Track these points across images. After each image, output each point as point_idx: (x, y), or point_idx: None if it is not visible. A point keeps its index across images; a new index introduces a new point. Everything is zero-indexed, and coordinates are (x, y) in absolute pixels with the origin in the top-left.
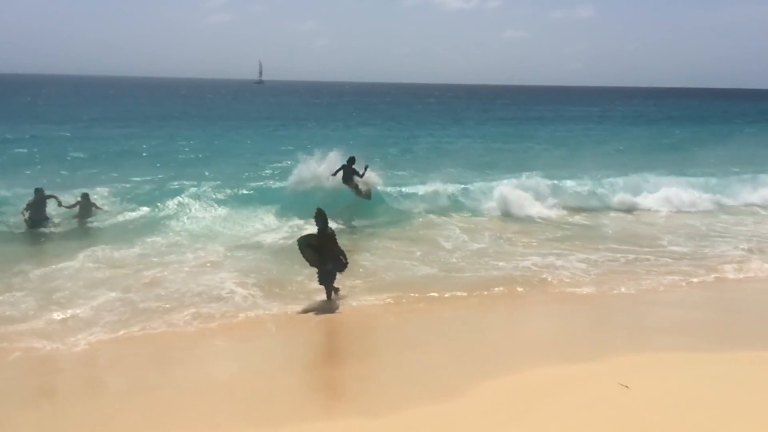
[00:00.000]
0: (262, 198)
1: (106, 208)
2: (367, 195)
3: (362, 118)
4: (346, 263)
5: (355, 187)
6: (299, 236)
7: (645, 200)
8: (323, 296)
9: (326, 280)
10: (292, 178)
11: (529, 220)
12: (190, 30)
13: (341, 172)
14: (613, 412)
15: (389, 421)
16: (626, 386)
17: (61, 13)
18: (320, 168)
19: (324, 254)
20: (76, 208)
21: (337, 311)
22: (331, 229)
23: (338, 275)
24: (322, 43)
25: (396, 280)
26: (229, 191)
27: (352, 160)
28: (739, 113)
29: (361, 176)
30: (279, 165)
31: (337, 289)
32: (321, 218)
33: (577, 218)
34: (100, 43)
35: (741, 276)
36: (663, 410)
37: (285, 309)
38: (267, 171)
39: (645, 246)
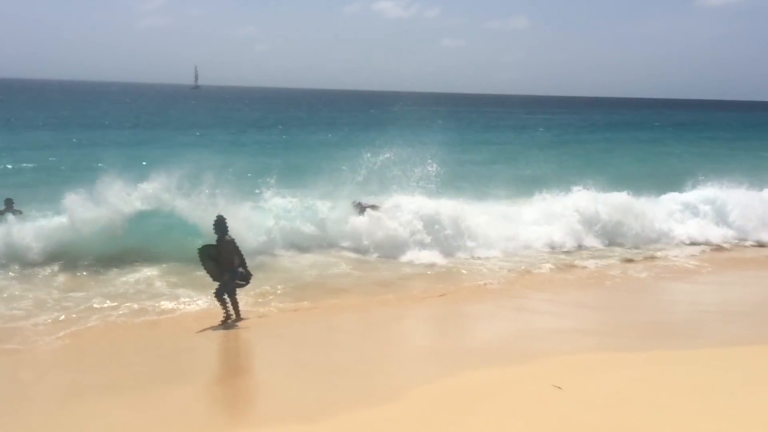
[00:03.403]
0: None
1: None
2: None
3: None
4: (249, 276)
5: None
6: (199, 246)
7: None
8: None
9: (223, 292)
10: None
11: None
12: (123, 33)
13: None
14: (548, 413)
15: (326, 425)
16: (559, 387)
17: None
18: None
19: (222, 264)
20: None
21: (262, 316)
22: (230, 237)
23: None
24: (261, 49)
25: (319, 281)
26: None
27: (360, 206)
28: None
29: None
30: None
31: (224, 302)
32: (219, 226)
33: None
34: (28, 45)
35: (653, 274)
36: (595, 409)
37: (210, 312)
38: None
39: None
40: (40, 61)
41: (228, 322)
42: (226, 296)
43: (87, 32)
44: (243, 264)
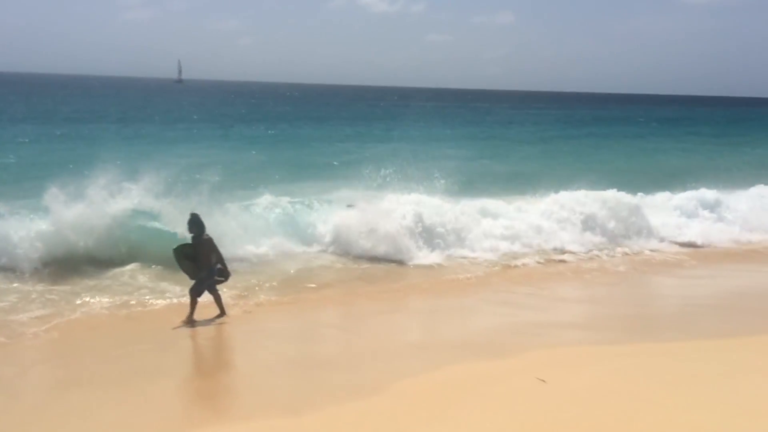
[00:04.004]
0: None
1: None
2: None
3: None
4: (228, 273)
5: None
6: (175, 246)
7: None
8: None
9: (199, 291)
10: None
11: None
12: (105, 26)
13: None
14: (532, 406)
15: (311, 419)
16: (543, 380)
17: None
18: None
19: (200, 263)
20: None
21: (247, 311)
22: (207, 235)
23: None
24: (245, 43)
25: (303, 276)
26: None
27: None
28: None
29: None
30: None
31: (222, 311)
32: (195, 224)
33: None
34: (6, 38)
35: (635, 268)
36: (578, 402)
37: (184, 303)
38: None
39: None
40: (20, 54)
41: (192, 320)
42: (198, 297)
43: (68, 25)
44: (221, 261)
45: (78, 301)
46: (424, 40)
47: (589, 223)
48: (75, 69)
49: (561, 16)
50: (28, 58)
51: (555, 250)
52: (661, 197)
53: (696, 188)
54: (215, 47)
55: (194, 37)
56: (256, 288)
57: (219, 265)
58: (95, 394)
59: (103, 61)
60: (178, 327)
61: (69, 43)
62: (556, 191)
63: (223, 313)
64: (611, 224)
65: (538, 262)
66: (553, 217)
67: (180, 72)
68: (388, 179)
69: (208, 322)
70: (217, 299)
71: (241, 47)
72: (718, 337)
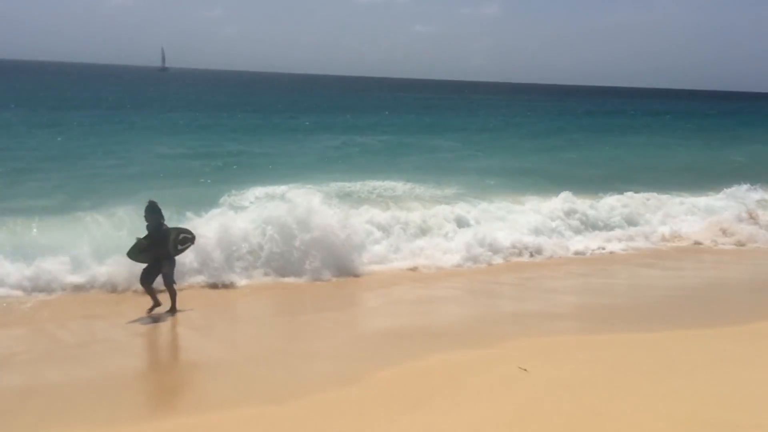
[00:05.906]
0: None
1: None
2: None
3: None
4: (193, 236)
5: None
6: (128, 249)
7: None
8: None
9: (172, 281)
10: None
11: None
12: (88, 13)
13: None
14: (514, 395)
15: (292, 406)
16: (525, 369)
17: None
18: None
19: (160, 254)
20: None
21: (226, 299)
22: (165, 225)
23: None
24: (230, 31)
25: (284, 265)
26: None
27: None
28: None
29: None
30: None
31: (174, 293)
32: (153, 212)
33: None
34: None
35: (615, 260)
36: (560, 391)
37: (180, 292)
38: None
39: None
40: (1, 41)
41: (175, 309)
42: (174, 285)
43: (50, 11)
44: (183, 231)
45: (65, 281)
46: (410, 31)
47: (576, 222)
48: (56, 56)
49: (547, 8)
50: (9, 44)
51: (539, 247)
52: (652, 195)
53: (694, 187)
54: (200, 35)
55: (178, 25)
56: (237, 277)
57: (182, 235)
58: (72, 388)
59: (86, 48)
60: (161, 315)
61: (50, 29)
62: (545, 189)
63: (157, 303)
64: (596, 222)
65: (518, 253)
66: (539, 218)
67: (164, 60)
68: (384, 176)
69: (191, 310)
70: (151, 290)
71: (225, 36)
72: (698, 327)
